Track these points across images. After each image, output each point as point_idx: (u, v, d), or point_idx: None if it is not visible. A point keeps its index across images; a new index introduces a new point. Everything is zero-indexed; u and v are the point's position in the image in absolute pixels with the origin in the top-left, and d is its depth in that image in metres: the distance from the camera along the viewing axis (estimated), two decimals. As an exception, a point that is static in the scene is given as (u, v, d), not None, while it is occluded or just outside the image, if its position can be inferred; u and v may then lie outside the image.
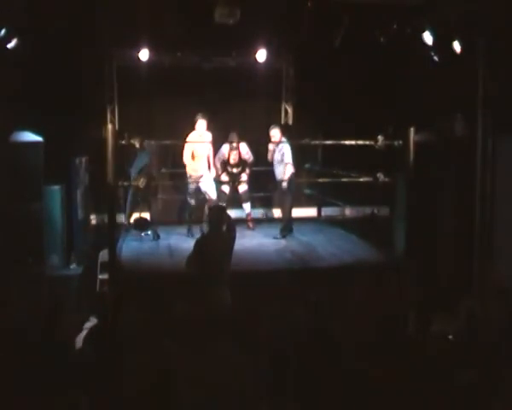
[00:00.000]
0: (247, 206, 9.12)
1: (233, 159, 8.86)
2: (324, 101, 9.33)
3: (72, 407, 3.90)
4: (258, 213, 9.92)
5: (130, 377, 3.97)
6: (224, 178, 8.89)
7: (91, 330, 4.73)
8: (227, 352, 4.20)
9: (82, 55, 8.37)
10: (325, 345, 4.38)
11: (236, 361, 4.09)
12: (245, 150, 8.82)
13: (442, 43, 7.76)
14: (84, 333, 4.80)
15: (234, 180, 8.89)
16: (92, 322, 5.10)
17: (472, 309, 4.75)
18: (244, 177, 8.97)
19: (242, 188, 9.03)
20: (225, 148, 8.79)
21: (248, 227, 9.08)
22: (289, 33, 8.61)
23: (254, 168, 8.97)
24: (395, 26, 7.98)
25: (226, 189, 8.95)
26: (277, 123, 9.43)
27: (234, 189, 9.02)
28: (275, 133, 8.54)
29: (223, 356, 4.15)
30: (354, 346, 4.42)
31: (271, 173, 8.71)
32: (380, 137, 7.49)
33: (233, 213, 9.13)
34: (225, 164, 8.90)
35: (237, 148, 8.73)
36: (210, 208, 7.74)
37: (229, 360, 4.10)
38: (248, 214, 9.16)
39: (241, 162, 8.89)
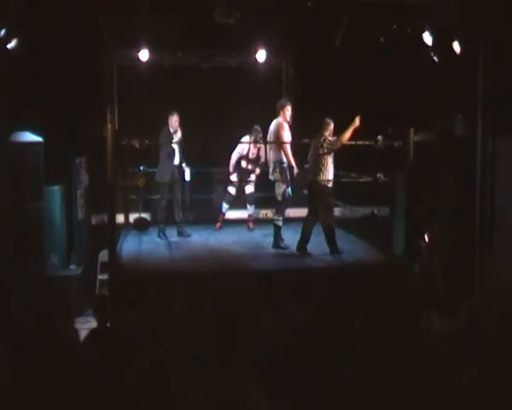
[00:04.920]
0: (251, 207, 9.11)
1: (252, 153, 8.87)
2: (324, 101, 9.33)
3: (72, 407, 3.90)
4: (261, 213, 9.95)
5: (131, 377, 3.97)
6: (233, 178, 8.91)
7: (92, 330, 4.74)
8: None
9: (82, 56, 8.36)
10: (324, 345, 4.38)
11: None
12: (262, 147, 8.81)
13: (442, 43, 7.76)
14: (84, 334, 4.81)
15: (243, 179, 8.90)
16: (91, 322, 5.11)
17: (473, 309, 4.75)
18: (252, 177, 8.96)
19: (249, 189, 9.02)
20: (245, 141, 8.79)
21: (248, 228, 9.08)
22: (289, 33, 8.62)
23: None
24: (395, 26, 7.98)
25: (232, 190, 8.96)
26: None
27: (241, 188, 9.03)
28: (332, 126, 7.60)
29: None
30: (354, 346, 4.42)
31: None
32: (379, 138, 7.50)
33: (236, 213, 9.18)
34: (241, 159, 8.90)
35: (260, 140, 8.72)
36: None
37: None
38: (250, 215, 9.15)
39: (258, 159, 8.91)
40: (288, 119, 7.79)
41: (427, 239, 7.73)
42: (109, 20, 7.61)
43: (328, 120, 7.59)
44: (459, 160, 7.94)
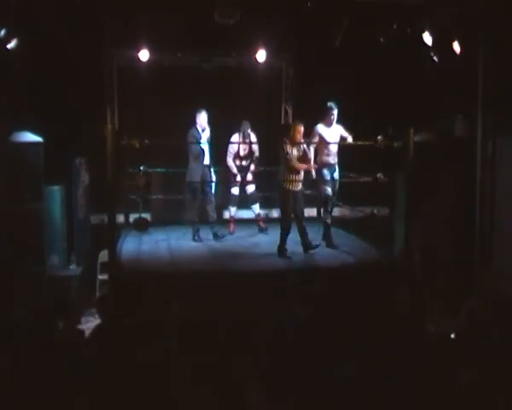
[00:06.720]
0: (255, 207, 9.00)
1: (243, 149, 8.81)
2: (324, 101, 9.34)
3: (72, 407, 3.90)
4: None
5: (132, 375, 3.97)
6: (238, 178, 8.87)
7: (93, 330, 4.74)
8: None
9: (82, 56, 8.36)
10: (324, 344, 4.38)
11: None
12: (254, 141, 8.77)
13: (442, 43, 7.76)
14: (84, 333, 4.81)
15: (242, 176, 8.85)
16: (91, 322, 5.12)
17: (473, 309, 4.74)
18: (250, 176, 8.91)
19: (250, 189, 8.95)
20: (235, 138, 8.72)
21: (260, 227, 8.99)
22: (289, 33, 8.62)
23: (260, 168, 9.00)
24: (395, 26, 7.99)
25: (236, 191, 8.90)
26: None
27: (241, 187, 8.98)
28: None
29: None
30: (353, 346, 4.42)
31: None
32: (379, 138, 7.51)
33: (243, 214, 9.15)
34: (235, 157, 8.84)
35: (249, 136, 8.67)
36: None
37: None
38: (258, 215, 9.06)
39: (250, 155, 8.87)
40: (331, 122, 8.01)
41: (424, 239, 7.75)
42: (109, 20, 7.61)
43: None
44: (459, 160, 7.94)
